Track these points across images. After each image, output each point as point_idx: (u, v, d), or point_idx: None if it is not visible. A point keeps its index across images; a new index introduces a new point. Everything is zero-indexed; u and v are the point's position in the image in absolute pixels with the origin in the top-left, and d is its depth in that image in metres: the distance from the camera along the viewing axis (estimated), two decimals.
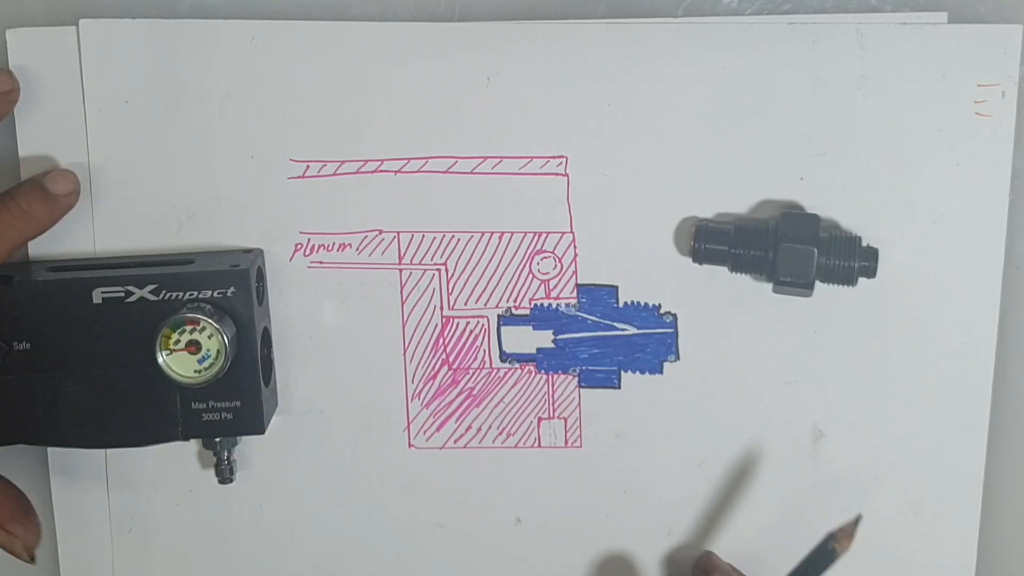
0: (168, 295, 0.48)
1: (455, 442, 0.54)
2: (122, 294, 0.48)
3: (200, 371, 0.48)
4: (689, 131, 0.51)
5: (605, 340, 0.53)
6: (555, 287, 0.53)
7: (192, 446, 0.53)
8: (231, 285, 0.49)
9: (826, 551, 0.47)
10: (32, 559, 0.48)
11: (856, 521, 0.47)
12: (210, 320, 0.48)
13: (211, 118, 0.51)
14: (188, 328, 0.48)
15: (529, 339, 0.53)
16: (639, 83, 0.51)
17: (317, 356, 0.53)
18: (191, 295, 0.48)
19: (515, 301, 0.53)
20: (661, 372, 0.53)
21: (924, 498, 0.53)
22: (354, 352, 0.53)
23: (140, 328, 0.48)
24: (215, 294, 0.49)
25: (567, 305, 0.53)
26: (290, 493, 0.54)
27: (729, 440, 0.53)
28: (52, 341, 0.48)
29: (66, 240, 0.51)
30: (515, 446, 0.54)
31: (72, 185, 0.50)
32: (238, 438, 0.52)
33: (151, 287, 0.48)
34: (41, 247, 0.51)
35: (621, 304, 0.52)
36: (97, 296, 0.48)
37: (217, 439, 0.51)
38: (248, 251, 0.51)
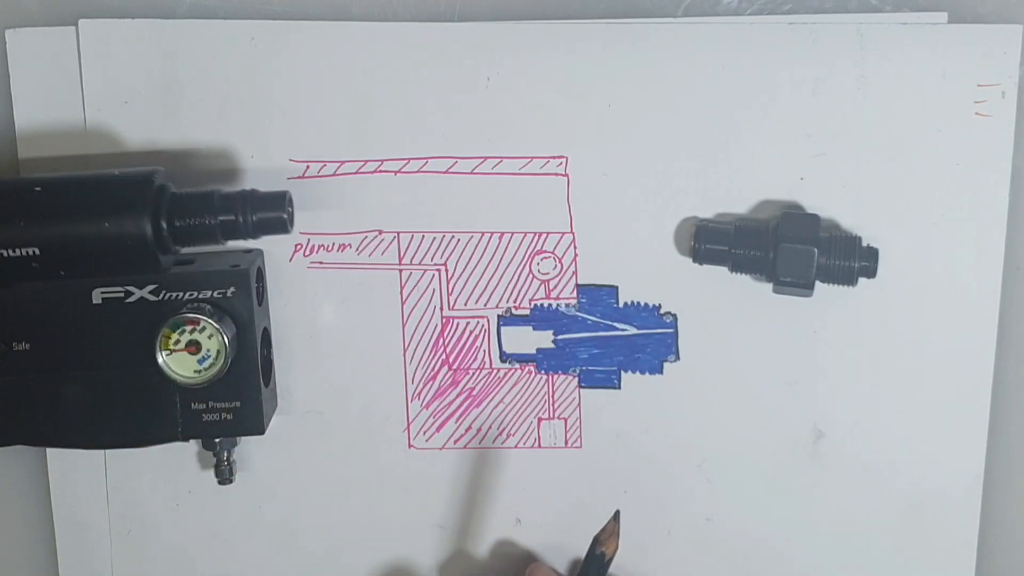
0: (168, 295, 0.48)
1: (455, 442, 0.54)
2: (122, 294, 0.48)
3: (200, 371, 0.48)
4: (689, 131, 0.51)
5: (605, 340, 0.53)
6: (555, 287, 0.53)
7: (192, 447, 0.53)
8: (231, 285, 0.49)
9: (596, 557, 0.47)
10: None
11: (615, 518, 0.47)
12: (210, 320, 0.48)
13: (211, 118, 0.51)
14: (188, 328, 0.48)
15: (529, 339, 0.53)
16: (639, 83, 0.51)
17: (317, 356, 0.53)
18: (191, 295, 0.48)
19: (515, 301, 0.53)
20: (661, 372, 0.53)
21: (924, 498, 0.53)
22: (354, 352, 0.53)
23: (140, 328, 0.48)
24: (215, 294, 0.49)
25: (567, 305, 0.53)
26: (290, 493, 0.54)
27: (729, 440, 0.53)
28: (52, 341, 0.48)
29: None
30: (515, 446, 0.54)
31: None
32: (238, 439, 0.52)
33: (151, 287, 0.48)
34: None
35: (621, 304, 0.52)
36: (97, 296, 0.48)
37: (217, 440, 0.51)
38: (248, 251, 0.51)
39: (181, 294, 0.48)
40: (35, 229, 0.45)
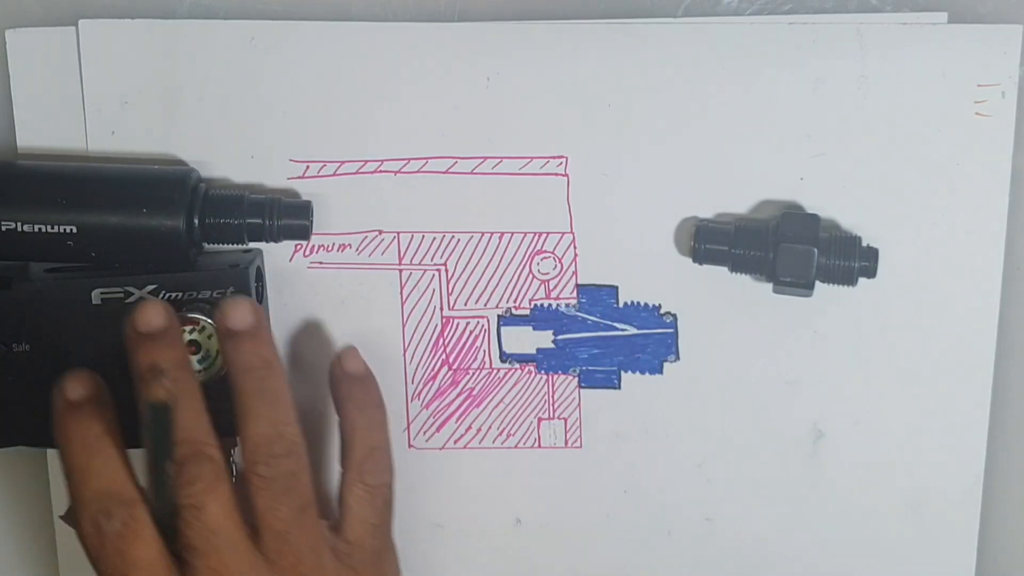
0: (167, 295, 0.48)
1: (455, 442, 0.54)
2: (121, 295, 0.48)
3: (200, 371, 0.48)
4: (689, 131, 0.51)
5: (605, 340, 0.53)
6: (555, 287, 0.53)
7: None
8: (230, 285, 0.49)
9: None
10: None
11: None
12: (209, 320, 0.48)
13: (211, 118, 0.51)
14: (187, 328, 0.48)
15: (529, 339, 0.53)
16: (639, 83, 0.51)
17: (317, 356, 0.53)
18: (190, 295, 0.48)
19: (515, 301, 0.53)
20: (661, 372, 0.53)
21: (924, 498, 0.53)
22: None
23: None
24: (214, 294, 0.49)
25: (567, 305, 0.53)
26: None
27: (729, 440, 0.53)
28: (52, 342, 0.48)
29: None
30: (515, 446, 0.54)
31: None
32: (238, 439, 0.52)
33: (150, 287, 0.48)
34: None
35: (621, 304, 0.52)
36: (96, 297, 0.48)
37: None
38: (247, 251, 0.51)
39: (180, 294, 0.48)
40: (75, 209, 0.47)
